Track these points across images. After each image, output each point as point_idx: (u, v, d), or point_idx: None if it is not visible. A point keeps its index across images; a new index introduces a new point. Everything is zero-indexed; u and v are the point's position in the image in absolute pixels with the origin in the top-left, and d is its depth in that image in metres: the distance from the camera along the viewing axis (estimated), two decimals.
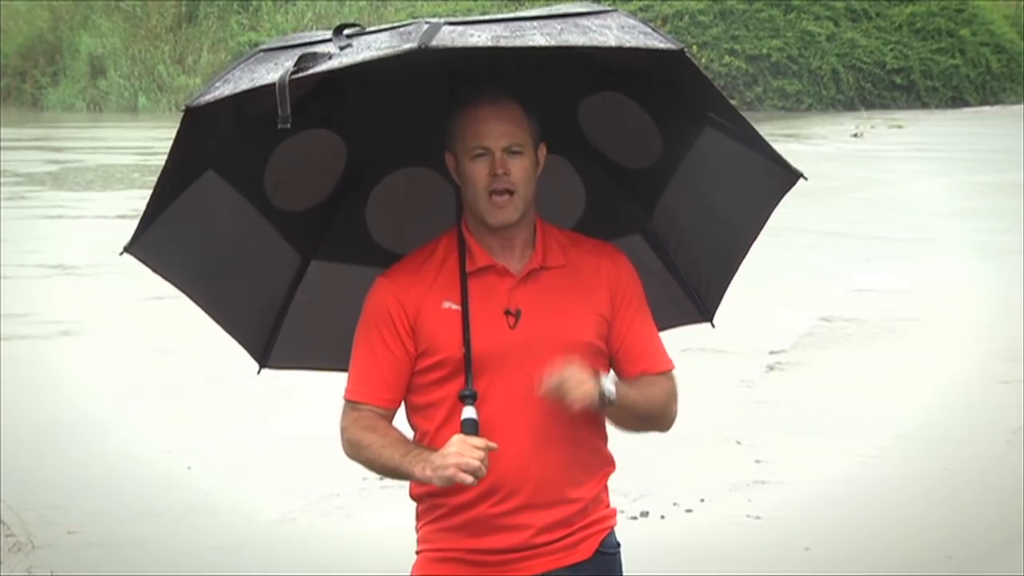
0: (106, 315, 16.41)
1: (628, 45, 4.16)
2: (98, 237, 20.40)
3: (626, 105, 4.74)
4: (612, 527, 4.73)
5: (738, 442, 11.84)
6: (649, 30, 4.26)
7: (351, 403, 4.60)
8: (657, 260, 4.92)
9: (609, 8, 4.35)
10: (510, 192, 4.49)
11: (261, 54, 4.34)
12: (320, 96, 4.12)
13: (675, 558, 9.34)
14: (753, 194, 4.76)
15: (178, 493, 10.76)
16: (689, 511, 10.29)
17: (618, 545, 4.74)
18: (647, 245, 4.92)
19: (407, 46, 4.03)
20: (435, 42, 4.03)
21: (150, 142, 33.32)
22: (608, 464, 4.72)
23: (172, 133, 4.43)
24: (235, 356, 5.19)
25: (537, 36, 4.14)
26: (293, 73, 4.06)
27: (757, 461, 11.39)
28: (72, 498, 10.59)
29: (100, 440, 11.94)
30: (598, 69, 4.64)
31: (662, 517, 10.10)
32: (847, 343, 15.39)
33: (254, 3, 46.88)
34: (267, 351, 4.88)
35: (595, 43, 4.16)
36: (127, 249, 4.50)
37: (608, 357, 4.65)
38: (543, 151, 4.61)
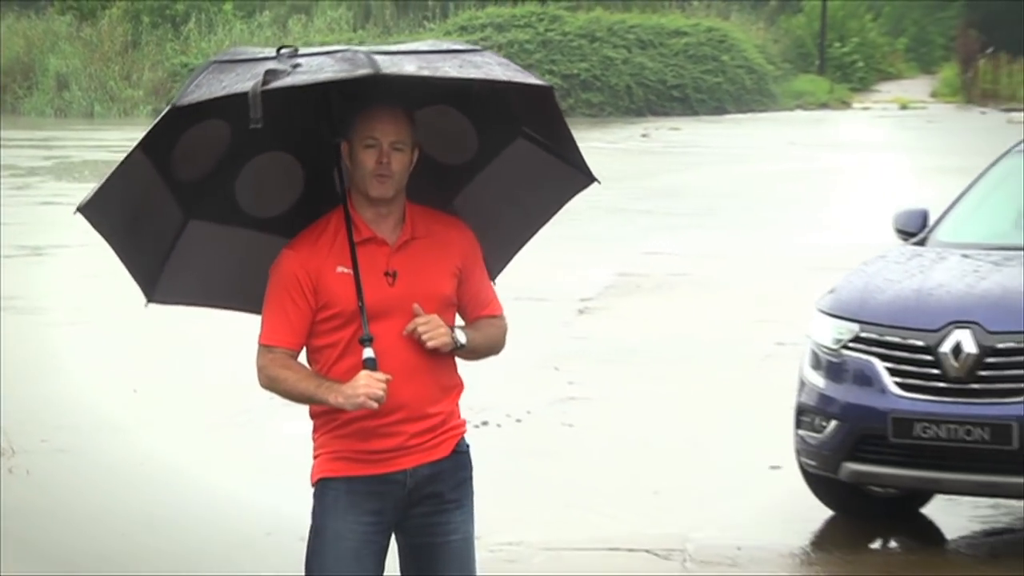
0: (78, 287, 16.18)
1: (516, 80, 4.39)
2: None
3: (456, 117, 4.75)
4: (463, 434, 4.78)
5: (556, 368, 11.90)
6: (520, 68, 4.46)
7: (266, 347, 4.62)
8: None
9: (478, 47, 4.52)
10: (388, 176, 4.56)
11: (215, 65, 4.41)
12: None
13: (510, 456, 9.39)
14: (548, 191, 4.85)
15: (131, 411, 10.68)
16: (519, 421, 10.35)
17: (468, 447, 4.80)
18: None
19: (363, 71, 4.19)
20: (383, 70, 4.19)
21: (124, 141, 32.71)
22: (459, 386, 4.77)
23: (128, 134, 4.43)
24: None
25: (448, 69, 4.32)
26: (264, 84, 4.15)
27: (570, 383, 11.47)
28: (45, 413, 10.49)
29: (70, 372, 11.84)
30: (442, 88, 4.61)
31: (499, 425, 10.14)
32: (639, 292, 15.49)
33: (183, 34, 46.80)
34: (152, 290, 4.81)
35: (491, 76, 4.35)
36: (79, 209, 4.53)
37: (456, 305, 4.72)
38: (417, 151, 4.64)
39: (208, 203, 4.74)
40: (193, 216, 4.74)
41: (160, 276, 4.78)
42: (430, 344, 4.54)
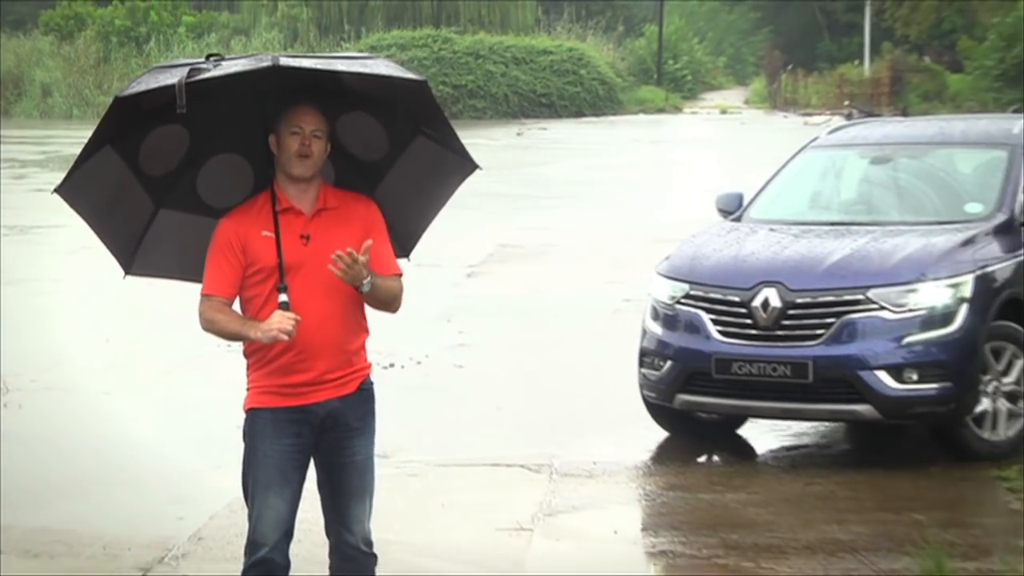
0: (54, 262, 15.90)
1: (394, 75, 4.46)
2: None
3: (368, 120, 4.74)
4: (368, 374, 4.76)
5: (448, 320, 11.89)
6: (403, 68, 4.52)
7: (205, 296, 4.61)
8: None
9: (374, 56, 4.60)
10: (309, 157, 4.58)
11: (157, 69, 4.44)
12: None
13: (412, 391, 9.38)
14: (444, 178, 4.83)
15: (105, 357, 10.54)
16: (419, 363, 10.34)
17: (371, 384, 4.77)
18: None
19: (264, 64, 4.31)
20: (283, 62, 4.31)
21: None
22: (365, 331, 4.75)
23: None
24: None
25: (340, 65, 4.44)
26: (187, 78, 4.21)
27: (460, 332, 11.46)
28: (34, 359, 10.32)
29: (54, 327, 11.65)
30: (355, 96, 4.65)
31: (403, 367, 10.12)
32: (516, 260, 15.51)
33: (145, 52, 46.31)
34: (130, 264, 4.79)
35: (373, 71, 4.44)
36: (56, 190, 4.54)
37: None
38: (328, 145, 4.64)
39: (175, 195, 4.71)
40: (163, 206, 4.72)
41: (135, 254, 4.76)
42: (339, 275, 4.48)
